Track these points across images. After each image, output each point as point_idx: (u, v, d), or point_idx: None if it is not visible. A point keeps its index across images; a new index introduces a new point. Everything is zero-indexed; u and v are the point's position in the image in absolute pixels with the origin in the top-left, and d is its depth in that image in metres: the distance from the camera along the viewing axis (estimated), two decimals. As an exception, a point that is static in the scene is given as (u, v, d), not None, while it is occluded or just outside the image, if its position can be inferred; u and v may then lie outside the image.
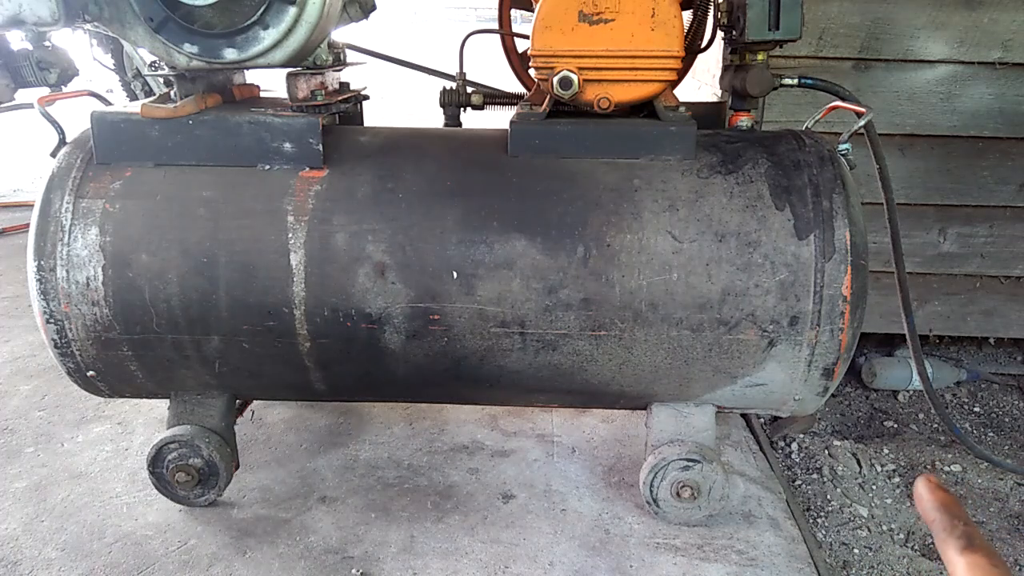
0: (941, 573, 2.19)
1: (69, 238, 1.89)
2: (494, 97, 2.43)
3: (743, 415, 2.70)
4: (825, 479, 2.59)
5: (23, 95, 2.17)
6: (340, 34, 2.29)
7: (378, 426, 2.62)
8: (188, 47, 1.83)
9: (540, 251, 1.85)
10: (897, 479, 2.59)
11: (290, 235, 1.87)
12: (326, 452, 2.47)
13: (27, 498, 2.25)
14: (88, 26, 1.93)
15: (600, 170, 1.91)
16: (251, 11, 1.80)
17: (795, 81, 2.07)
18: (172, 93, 2.01)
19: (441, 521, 2.15)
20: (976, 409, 3.09)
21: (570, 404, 2.23)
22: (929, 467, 2.66)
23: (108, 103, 2.17)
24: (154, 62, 2.13)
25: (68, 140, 2.02)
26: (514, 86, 2.60)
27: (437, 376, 2.00)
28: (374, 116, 2.42)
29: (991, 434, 2.93)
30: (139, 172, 1.94)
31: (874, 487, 2.55)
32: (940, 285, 2.97)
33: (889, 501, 2.49)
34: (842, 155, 1.92)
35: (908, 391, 3.15)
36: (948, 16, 2.62)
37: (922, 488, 0.74)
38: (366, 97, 2.39)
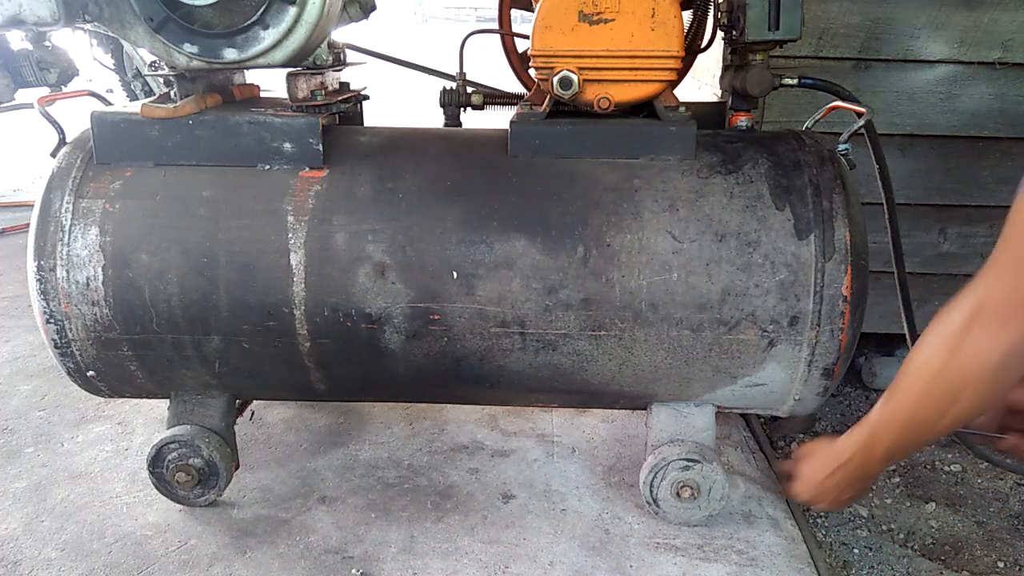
0: (941, 573, 2.19)
1: (69, 238, 1.89)
2: (494, 97, 2.43)
3: (743, 415, 2.70)
4: (825, 479, 2.59)
5: (23, 95, 2.17)
6: (340, 34, 2.29)
7: (378, 426, 2.62)
8: (188, 47, 1.83)
9: (540, 251, 1.85)
10: (897, 479, 2.59)
11: (290, 235, 1.87)
12: (326, 452, 2.47)
13: (27, 498, 2.25)
14: (88, 26, 1.93)
15: (600, 170, 1.91)
16: (251, 11, 1.80)
17: (795, 81, 2.07)
18: (172, 93, 2.01)
19: (441, 521, 2.15)
20: (976, 409, 3.09)
21: (570, 404, 2.23)
22: (929, 467, 2.66)
23: (108, 103, 2.17)
24: (154, 62, 2.13)
25: (68, 140, 2.02)
26: (514, 86, 2.59)
27: (437, 376, 2.00)
28: (374, 116, 2.42)
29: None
30: (139, 172, 1.94)
31: (874, 487, 2.55)
32: (940, 285, 2.97)
33: (889, 501, 2.49)
34: (842, 155, 1.92)
35: (908, 391, 3.14)
36: (948, 16, 2.62)
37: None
38: (366, 97, 2.39)
